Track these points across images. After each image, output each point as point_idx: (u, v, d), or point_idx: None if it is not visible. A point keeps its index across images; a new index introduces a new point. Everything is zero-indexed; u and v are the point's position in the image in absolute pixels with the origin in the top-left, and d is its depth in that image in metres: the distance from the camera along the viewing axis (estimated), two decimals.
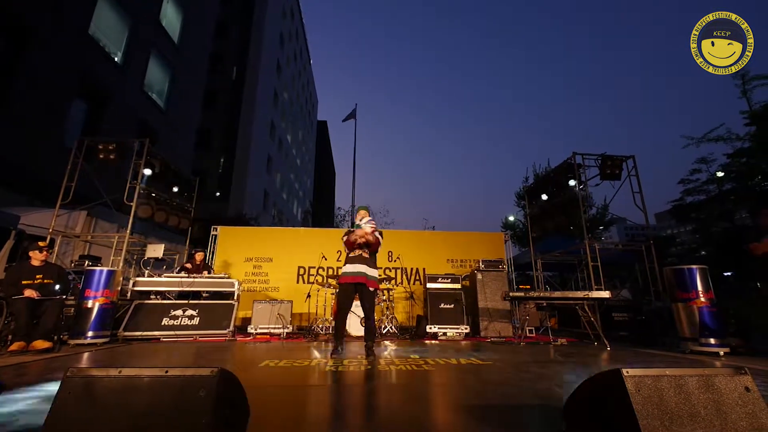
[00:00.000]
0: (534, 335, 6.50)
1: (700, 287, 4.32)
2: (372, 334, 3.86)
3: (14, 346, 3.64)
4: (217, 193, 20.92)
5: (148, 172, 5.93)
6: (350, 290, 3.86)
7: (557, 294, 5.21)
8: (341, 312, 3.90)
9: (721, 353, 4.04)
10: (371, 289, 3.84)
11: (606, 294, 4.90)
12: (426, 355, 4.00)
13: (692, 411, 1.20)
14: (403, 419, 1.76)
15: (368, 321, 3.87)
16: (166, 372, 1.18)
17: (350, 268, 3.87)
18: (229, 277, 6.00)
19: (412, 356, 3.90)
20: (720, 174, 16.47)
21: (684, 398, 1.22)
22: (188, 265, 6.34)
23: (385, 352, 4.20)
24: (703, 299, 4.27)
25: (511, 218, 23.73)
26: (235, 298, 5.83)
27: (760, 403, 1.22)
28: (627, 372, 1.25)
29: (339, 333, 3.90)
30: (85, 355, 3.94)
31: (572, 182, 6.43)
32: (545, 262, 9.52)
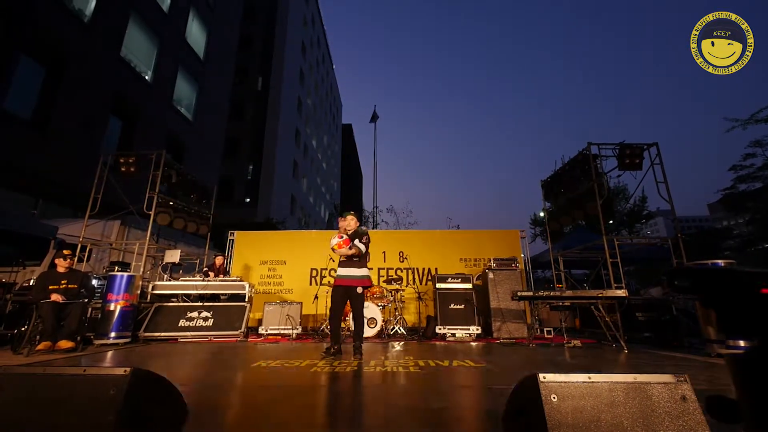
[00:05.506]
0: (552, 336, 6.21)
1: None
2: (359, 335, 3.90)
3: (41, 346, 4.00)
4: (247, 200, 21.82)
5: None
6: (340, 293, 3.95)
7: (569, 293, 4.93)
8: (334, 314, 3.96)
9: None
10: (359, 290, 3.88)
11: (622, 293, 4.58)
12: (422, 356, 3.93)
13: (614, 421, 1.10)
14: (346, 421, 1.75)
15: (356, 321, 3.92)
16: (84, 371, 1.25)
17: (341, 271, 4.01)
18: (241, 280, 6.23)
19: (405, 357, 3.86)
20: None
21: (606, 407, 1.12)
22: (211, 274, 6.63)
23: (384, 353, 4.19)
24: None
25: (542, 214, 22.81)
26: (247, 300, 6.05)
27: (696, 414, 1.09)
28: (544, 378, 1.16)
29: (334, 334, 3.95)
30: (105, 353, 4.26)
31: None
32: (580, 260, 9.01)
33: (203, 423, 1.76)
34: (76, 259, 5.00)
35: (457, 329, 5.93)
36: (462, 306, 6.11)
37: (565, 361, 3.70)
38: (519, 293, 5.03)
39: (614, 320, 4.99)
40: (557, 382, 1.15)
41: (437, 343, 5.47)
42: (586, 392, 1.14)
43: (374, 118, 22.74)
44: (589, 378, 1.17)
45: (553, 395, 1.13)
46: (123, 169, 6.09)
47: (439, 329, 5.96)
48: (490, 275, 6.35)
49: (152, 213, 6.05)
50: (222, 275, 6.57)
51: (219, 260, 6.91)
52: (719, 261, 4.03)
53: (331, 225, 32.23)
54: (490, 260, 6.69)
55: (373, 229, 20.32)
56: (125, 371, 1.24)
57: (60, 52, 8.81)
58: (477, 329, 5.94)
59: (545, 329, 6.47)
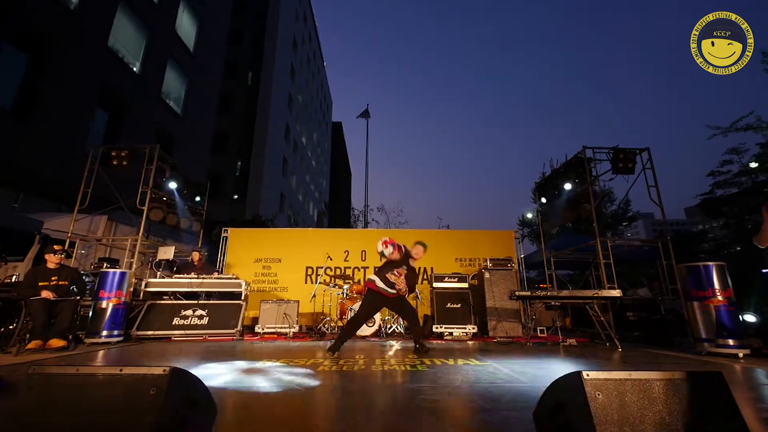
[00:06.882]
0: (545, 335, 6.33)
1: (717, 285, 4.09)
2: (419, 335, 4.13)
3: (31, 345, 3.85)
4: (235, 196, 21.44)
5: (173, 185, 6.24)
6: (383, 303, 4.07)
7: (565, 293, 5.05)
8: (361, 319, 4.00)
9: (740, 355, 3.80)
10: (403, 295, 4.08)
11: (616, 293, 4.71)
12: (424, 355, 3.96)
13: (657, 417, 1.13)
14: (361, 421, 1.74)
15: (414, 325, 4.16)
16: (121, 371, 1.21)
17: (385, 284, 4.00)
18: (236, 278, 6.13)
19: (410, 355, 3.88)
20: (753, 164, 15.51)
21: (648, 403, 1.15)
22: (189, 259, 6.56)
23: (386, 352, 4.20)
24: (720, 298, 4.04)
25: (529, 215, 23.21)
26: (243, 298, 5.96)
27: (731, 408, 1.14)
28: (587, 375, 1.19)
29: (347, 336, 4.01)
30: (97, 352, 4.12)
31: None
32: (565, 261, 9.19)
33: (225, 423, 1.74)
34: (65, 255, 4.80)
35: (454, 328, 5.99)
36: (458, 305, 6.17)
37: (569, 359, 3.78)
38: (517, 293, 5.11)
39: (607, 319, 5.13)
40: (600, 380, 1.18)
41: (435, 341, 5.51)
42: (628, 389, 1.17)
43: (364, 114, 22.51)
44: (630, 375, 1.20)
45: (597, 392, 1.15)
46: (114, 162, 5.89)
47: (437, 328, 6.01)
48: (486, 275, 6.44)
49: (145, 208, 5.88)
50: (215, 272, 6.43)
51: (196, 256, 6.52)
52: (711, 263, 4.19)
53: (321, 223, 32.05)
54: (485, 260, 6.78)
55: (364, 228, 20.28)
56: (164, 370, 1.21)
57: (44, 40, 8.45)
58: (473, 328, 6.01)
59: (538, 328, 6.60)
